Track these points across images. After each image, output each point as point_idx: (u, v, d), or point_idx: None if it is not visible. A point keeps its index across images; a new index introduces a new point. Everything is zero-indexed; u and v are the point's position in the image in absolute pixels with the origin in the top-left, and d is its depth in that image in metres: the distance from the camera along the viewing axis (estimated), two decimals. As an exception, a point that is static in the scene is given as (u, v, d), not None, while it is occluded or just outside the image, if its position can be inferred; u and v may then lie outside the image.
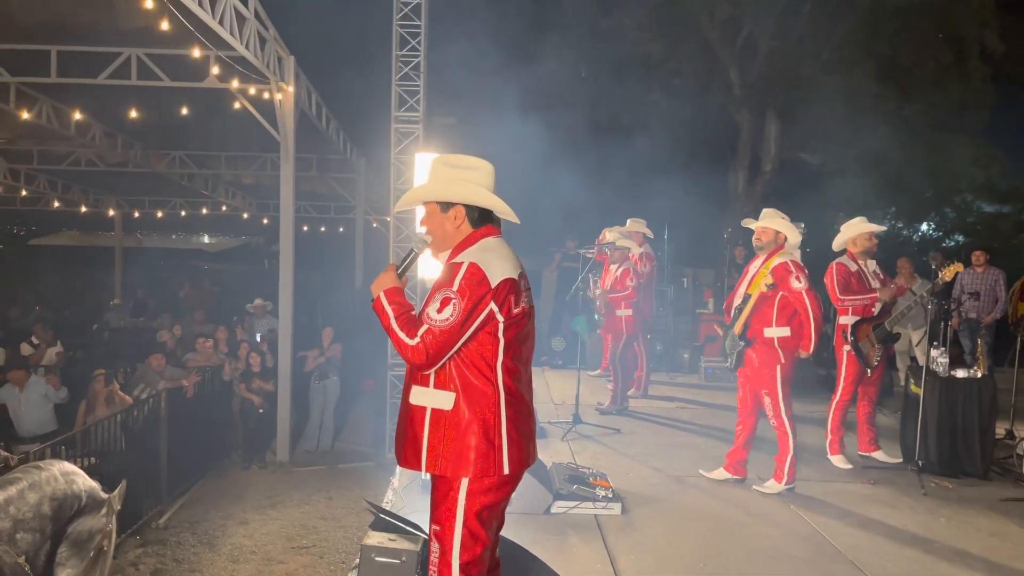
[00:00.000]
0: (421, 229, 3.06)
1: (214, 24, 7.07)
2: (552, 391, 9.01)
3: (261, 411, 9.81)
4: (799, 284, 5.42)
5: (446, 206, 2.94)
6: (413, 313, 2.83)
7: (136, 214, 22.19)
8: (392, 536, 3.80)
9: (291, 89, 9.49)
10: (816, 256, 11.43)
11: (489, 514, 2.85)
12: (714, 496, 5.63)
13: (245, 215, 22.04)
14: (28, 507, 3.48)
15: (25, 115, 10.73)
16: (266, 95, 9.47)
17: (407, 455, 2.88)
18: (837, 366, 6.42)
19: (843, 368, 6.31)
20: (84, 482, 3.77)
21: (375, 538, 3.78)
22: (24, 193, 18.64)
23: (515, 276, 2.84)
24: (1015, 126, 18.00)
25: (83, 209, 20.81)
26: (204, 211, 21.91)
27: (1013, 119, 17.55)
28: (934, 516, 5.32)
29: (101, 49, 9.07)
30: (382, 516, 4.01)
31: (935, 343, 6.28)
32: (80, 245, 26.38)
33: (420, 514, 4.37)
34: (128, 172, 16.10)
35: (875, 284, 6.22)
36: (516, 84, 14.05)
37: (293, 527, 7.72)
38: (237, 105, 9.91)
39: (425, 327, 2.73)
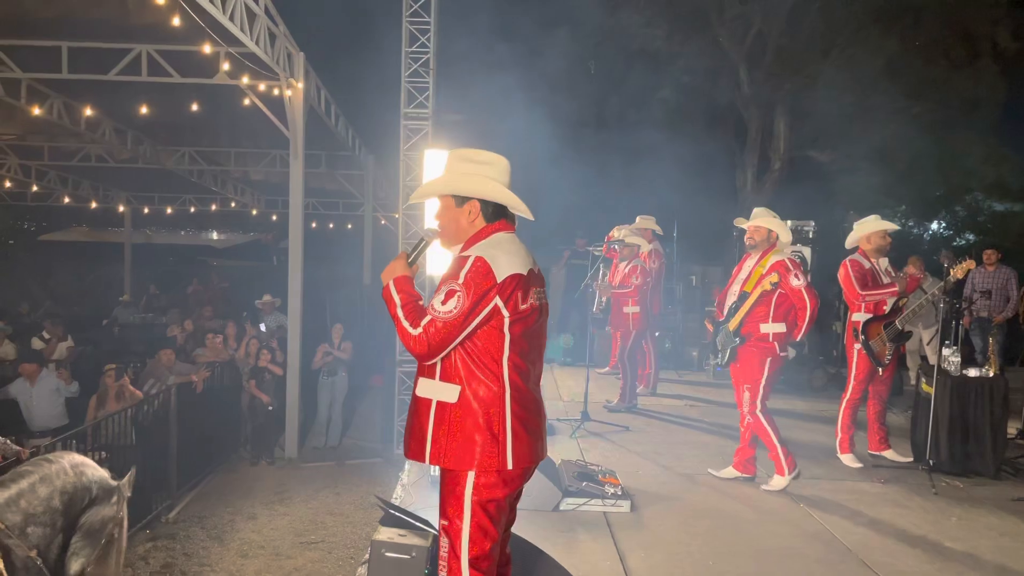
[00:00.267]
0: (434, 223, 3.06)
1: (225, 20, 7.09)
2: (561, 388, 9.01)
3: (270, 408, 9.84)
4: (798, 281, 5.46)
5: (461, 200, 2.94)
6: (420, 303, 2.84)
7: (145, 210, 22.26)
8: (402, 532, 3.80)
9: (301, 85, 9.51)
10: (825, 254, 11.39)
11: (497, 508, 2.84)
12: (723, 494, 5.61)
13: (254, 211, 22.09)
14: (39, 501, 3.50)
15: (36, 111, 10.77)
16: (276, 91, 9.49)
17: (412, 446, 2.90)
18: (848, 364, 6.39)
19: (853, 366, 6.28)
20: (94, 472, 3.78)
21: (385, 533, 3.78)
22: (35, 189, 18.72)
23: (523, 272, 2.84)
24: (1027, 124, 17.87)
25: (93, 205, 20.88)
26: (213, 207, 21.95)
27: (1025, 116, 17.43)
28: (945, 516, 5.29)
29: (112, 45, 9.11)
30: (392, 512, 4.01)
31: (947, 342, 6.25)
32: (90, 241, 26.48)
33: (429, 510, 4.38)
34: (138, 168, 16.15)
35: (886, 281, 6.19)
36: (525, 81, 14.03)
37: (301, 522, 7.75)
38: (247, 101, 9.93)
39: (428, 318, 2.74)
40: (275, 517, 7.87)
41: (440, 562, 2.89)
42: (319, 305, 14.31)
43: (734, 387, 5.80)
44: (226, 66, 8.97)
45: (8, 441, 5.56)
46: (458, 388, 2.80)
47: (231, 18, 7.25)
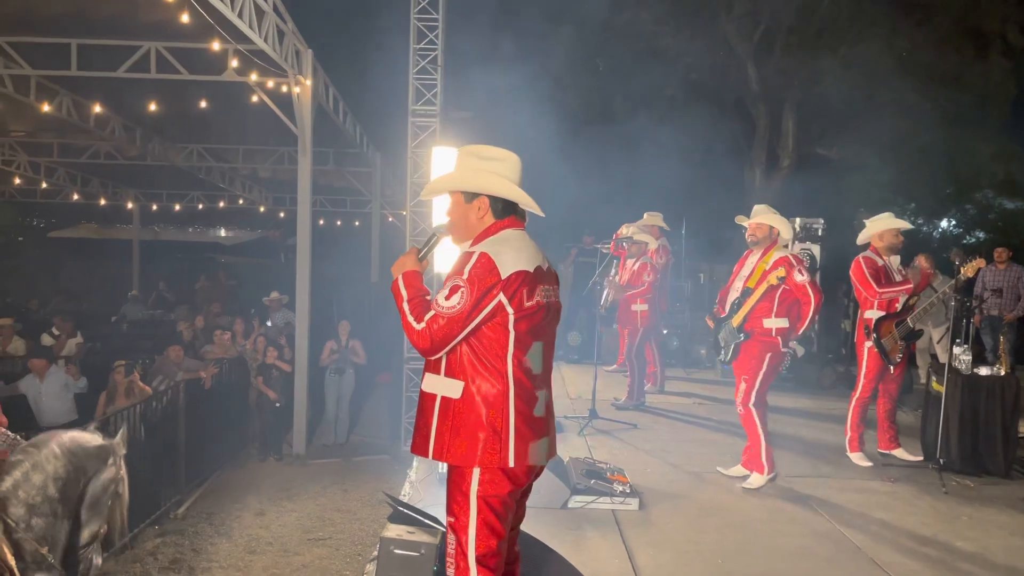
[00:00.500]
0: (444, 219, 3.05)
1: (233, 17, 7.09)
2: (568, 386, 9.00)
3: (278, 405, 9.86)
4: (802, 277, 5.47)
5: (470, 196, 2.93)
6: (427, 298, 2.84)
7: (154, 207, 22.33)
8: (411, 529, 3.80)
9: (309, 82, 9.50)
10: (834, 251, 11.34)
11: (502, 505, 2.83)
12: (732, 493, 5.59)
13: (261, 209, 22.14)
14: (36, 490, 3.52)
15: (45, 108, 10.80)
16: (284, 88, 9.49)
17: (417, 441, 2.90)
18: (858, 362, 6.36)
19: (863, 364, 6.24)
20: (85, 446, 3.77)
21: (394, 531, 3.78)
22: (44, 186, 18.81)
23: (530, 269, 2.82)
24: (1037, 121, 17.76)
25: (102, 202, 20.97)
26: (221, 204, 22.02)
27: (1035, 114, 17.32)
28: (955, 515, 5.26)
29: (121, 42, 9.13)
30: (400, 509, 4.01)
31: (957, 340, 6.21)
32: (98, 238, 26.58)
33: (438, 507, 4.37)
34: (146, 165, 16.19)
35: (898, 279, 6.15)
36: (532, 78, 14.00)
37: (309, 519, 7.76)
38: (255, 98, 9.93)
39: (432, 313, 2.75)
40: (283, 513, 7.88)
41: (448, 559, 2.89)
42: (326, 302, 14.33)
43: (736, 382, 5.78)
44: (235, 63, 8.98)
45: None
46: (462, 384, 2.80)
47: (240, 15, 7.24)
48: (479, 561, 2.80)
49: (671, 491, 5.59)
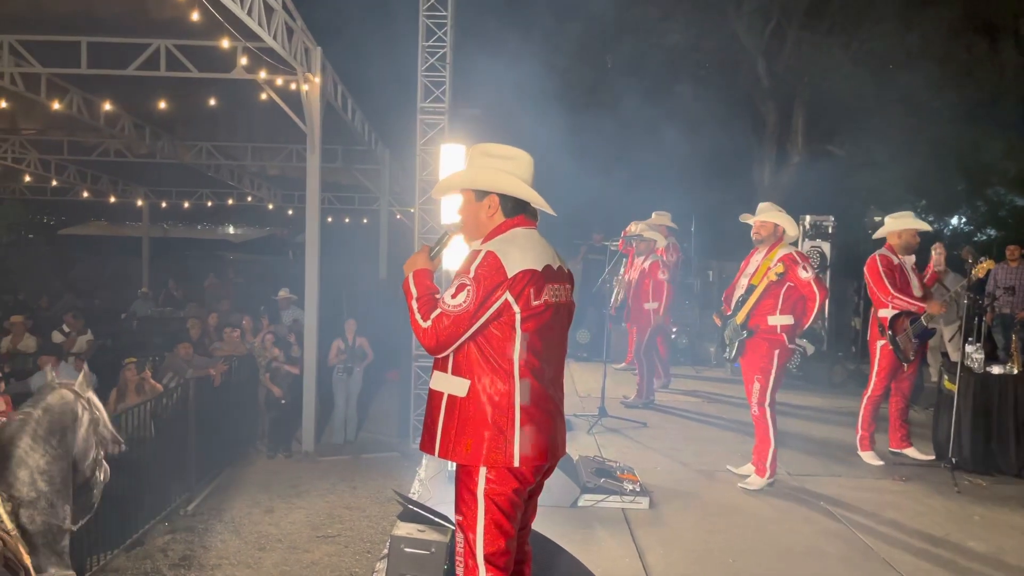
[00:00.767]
0: (455, 217, 3.04)
1: (243, 15, 7.09)
2: (577, 384, 8.98)
3: (283, 402, 9.88)
4: (807, 273, 5.44)
5: (481, 194, 2.92)
6: (436, 297, 2.83)
7: (163, 205, 22.41)
8: (421, 527, 3.80)
9: (318, 80, 9.51)
10: (845, 249, 11.30)
11: (510, 504, 2.82)
12: (742, 492, 5.56)
13: (270, 206, 22.18)
14: (27, 486, 3.53)
15: (56, 106, 10.84)
16: (293, 86, 9.50)
17: (425, 439, 2.90)
18: (870, 360, 6.32)
19: (876, 362, 6.20)
20: (55, 420, 3.72)
21: (404, 529, 3.78)
22: (54, 183, 18.90)
23: (538, 268, 2.81)
24: (1049, 118, 17.62)
25: (112, 199, 21.06)
26: (230, 202, 22.08)
27: (1047, 111, 17.17)
28: (968, 514, 5.23)
29: (131, 40, 9.15)
30: (410, 507, 4.01)
31: (969, 339, 6.16)
32: (108, 235, 26.72)
33: (447, 505, 4.37)
34: (156, 163, 16.26)
35: (914, 280, 6.11)
36: (541, 76, 13.97)
37: (318, 516, 7.77)
38: (264, 96, 9.95)
39: (438, 311, 2.74)
40: (292, 510, 7.90)
41: (457, 558, 2.88)
42: (335, 299, 14.35)
43: (744, 381, 5.75)
44: (244, 61, 8.99)
45: None
46: (468, 382, 2.79)
47: (249, 13, 7.24)
48: (488, 560, 2.79)
49: (681, 490, 5.58)
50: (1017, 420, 6.00)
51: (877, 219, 10.01)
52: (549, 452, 2.88)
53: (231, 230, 29.56)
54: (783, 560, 4.50)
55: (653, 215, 9.15)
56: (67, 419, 3.76)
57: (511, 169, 2.92)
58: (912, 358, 6.07)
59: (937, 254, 6.26)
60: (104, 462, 4.03)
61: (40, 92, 10.43)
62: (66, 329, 11.60)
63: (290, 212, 23.25)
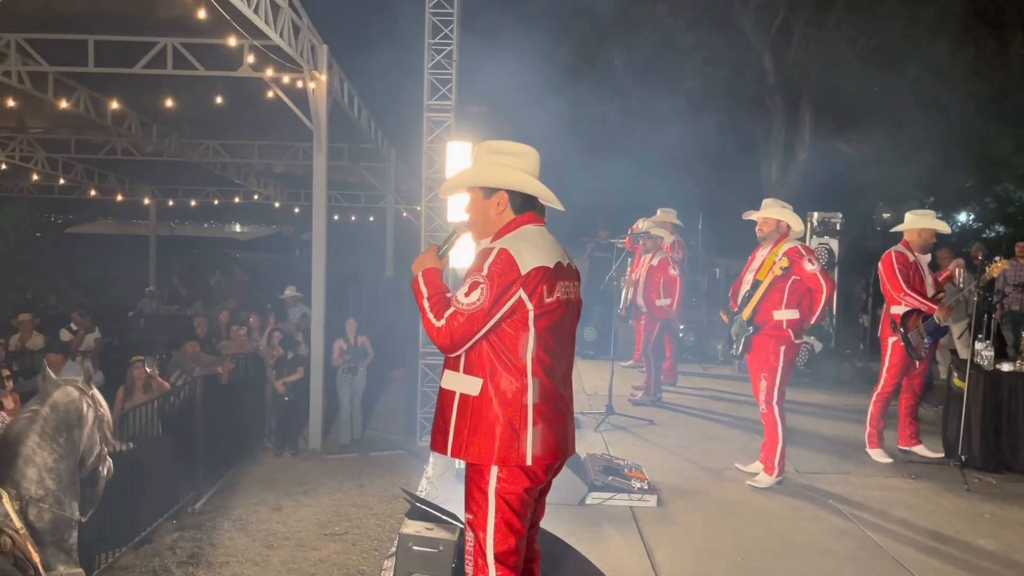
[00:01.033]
0: (462, 216, 3.03)
1: (249, 13, 7.09)
2: (584, 381, 8.96)
3: (287, 399, 9.89)
4: (812, 266, 5.41)
5: (489, 192, 2.90)
6: (447, 296, 2.81)
7: (170, 203, 22.48)
8: (429, 525, 3.78)
9: (324, 78, 9.51)
10: (853, 245, 11.26)
11: (521, 503, 2.81)
12: (751, 489, 5.54)
13: (276, 204, 22.22)
14: (35, 484, 3.55)
15: (63, 104, 10.87)
16: (299, 84, 9.50)
17: (436, 438, 2.88)
18: (881, 356, 6.28)
19: (887, 358, 6.17)
20: (61, 418, 3.74)
21: (412, 527, 3.77)
22: (62, 182, 18.97)
23: (550, 265, 2.79)
24: (1058, 114, 17.51)
25: (119, 198, 21.12)
26: (236, 200, 22.12)
27: (1056, 107, 17.06)
28: (977, 512, 5.20)
29: (138, 39, 9.16)
30: (418, 505, 4.00)
31: (979, 336, 6.13)
32: (116, 233, 26.81)
33: (455, 503, 4.36)
34: (163, 161, 16.30)
35: (928, 279, 6.07)
36: (547, 73, 13.94)
37: (325, 514, 7.78)
38: (270, 94, 9.95)
39: (452, 310, 2.71)
40: (299, 508, 7.91)
41: (467, 556, 2.87)
42: (341, 297, 14.37)
43: (751, 379, 5.73)
44: (250, 59, 9.00)
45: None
46: (480, 381, 2.77)
47: (255, 11, 7.24)
48: (498, 559, 2.78)
49: (689, 487, 5.56)
50: (1027, 418, 5.96)
51: (886, 215, 9.97)
52: (560, 450, 2.87)
53: (238, 228, 29.63)
54: (792, 558, 4.48)
55: (658, 212, 9.13)
56: (73, 416, 3.77)
57: (519, 165, 2.90)
58: (924, 355, 6.03)
59: (956, 267, 6.20)
60: (108, 457, 4.04)
61: (47, 91, 10.46)
62: (73, 327, 11.62)
63: (296, 210, 23.28)
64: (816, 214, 10.35)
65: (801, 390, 8.47)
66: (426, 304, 2.79)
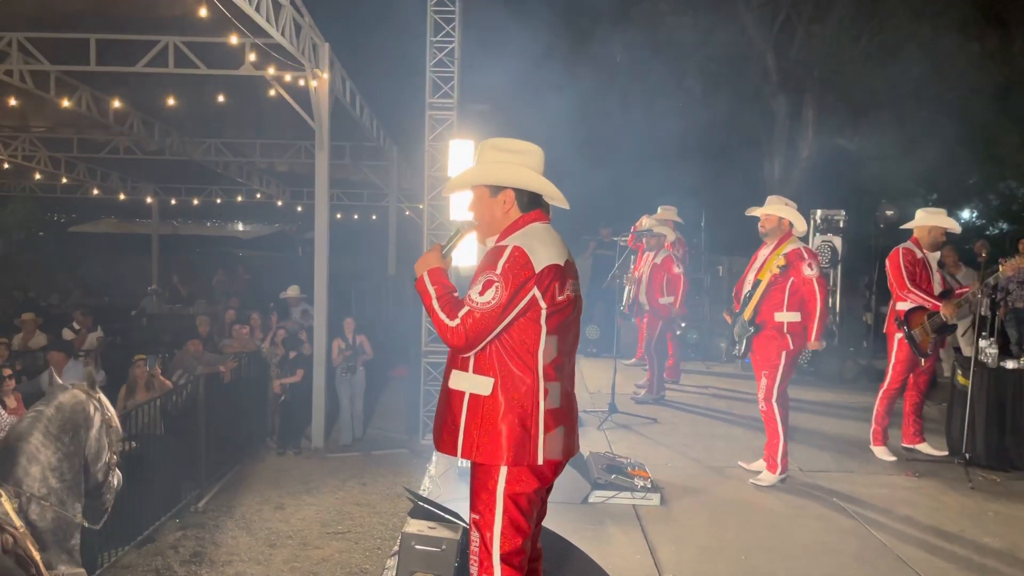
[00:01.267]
0: (466, 214, 3.01)
1: (251, 11, 7.08)
2: (587, 380, 8.95)
3: (283, 399, 9.89)
4: (810, 271, 5.38)
5: (495, 190, 2.87)
6: (456, 295, 2.78)
7: (172, 201, 22.48)
8: (432, 524, 3.78)
9: (326, 76, 9.49)
10: (856, 243, 11.22)
11: (528, 503, 2.80)
12: (754, 488, 5.53)
13: (279, 203, 22.22)
14: (38, 482, 3.54)
15: (65, 103, 10.87)
16: (301, 82, 9.49)
17: (444, 439, 2.85)
18: (888, 354, 6.26)
19: (893, 354, 6.15)
20: (67, 417, 3.72)
21: (415, 526, 3.76)
22: (64, 181, 18.98)
23: (560, 262, 2.78)
24: (1062, 111, 17.44)
25: (121, 197, 21.13)
26: (239, 199, 22.13)
27: (1060, 103, 17.00)
28: (982, 511, 5.18)
29: (139, 37, 9.14)
30: (421, 504, 3.99)
31: (983, 333, 6.10)
32: (118, 232, 26.84)
33: (457, 502, 4.36)
34: (165, 160, 16.29)
35: (936, 277, 6.05)
36: (550, 71, 13.93)
37: (328, 513, 7.78)
38: (272, 92, 9.94)
39: (466, 309, 2.68)
40: (302, 507, 7.91)
41: (472, 556, 2.85)
42: (344, 296, 14.37)
43: (755, 377, 5.72)
44: (252, 57, 8.98)
45: None
46: (492, 381, 2.74)
47: (257, 9, 7.23)
48: (504, 559, 2.76)
49: (692, 486, 5.55)
50: (1032, 415, 5.94)
51: (889, 213, 9.94)
52: (569, 448, 2.87)
53: (240, 227, 29.65)
54: (795, 557, 4.46)
55: (659, 210, 9.11)
56: (79, 418, 3.76)
57: (525, 163, 2.88)
58: (929, 353, 6.01)
59: (972, 286, 6.13)
60: (116, 469, 4.02)
61: (49, 89, 10.45)
62: (76, 326, 11.63)
63: (299, 208, 23.28)
64: (819, 211, 10.33)
65: (804, 388, 8.46)
66: (436, 304, 2.75)
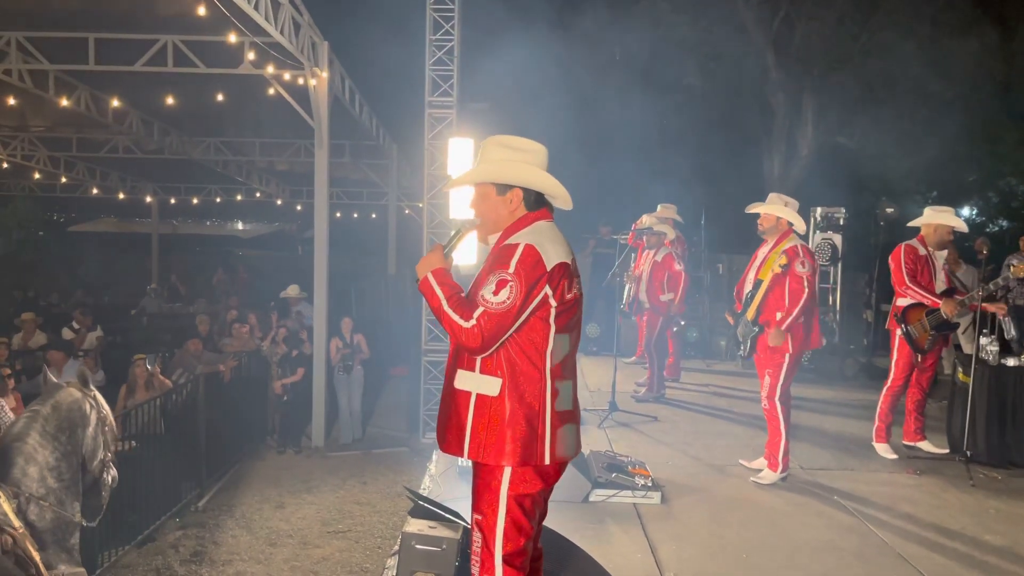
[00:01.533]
0: (466, 212, 2.99)
1: (250, 9, 7.06)
2: (587, 378, 8.94)
3: (285, 399, 9.88)
4: (803, 269, 5.38)
5: (503, 188, 2.84)
6: (463, 295, 2.75)
7: (172, 201, 22.47)
8: (432, 524, 3.77)
9: (325, 75, 9.48)
10: (856, 241, 11.21)
11: (532, 503, 2.78)
12: (755, 486, 5.53)
13: (279, 201, 22.20)
14: (36, 483, 3.54)
15: (64, 103, 10.85)
16: (300, 81, 9.48)
17: (449, 440, 2.81)
18: (890, 350, 6.25)
19: (895, 352, 6.15)
20: (63, 416, 3.72)
21: (415, 525, 3.75)
22: (64, 180, 18.96)
23: (568, 261, 2.77)
24: (1062, 108, 17.43)
25: (121, 196, 21.11)
26: (238, 198, 22.12)
27: (1060, 101, 16.99)
28: (983, 508, 5.18)
29: (138, 36, 9.13)
30: (421, 503, 3.98)
31: (984, 331, 6.10)
32: (118, 232, 26.82)
33: (458, 501, 4.35)
34: (164, 159, 16.28)
35: (940, 275, 6.03)
36: (549, 69, 13.92)
37: (329, 511, 7.77)
38: (271, 91, 9.93)
39: (481, 309, 2.64)
40: (303, 506, 7.90)
41: (473, 557, 2.83)
42: (343, 295, 14.36)
43: (759, 376, 5.71)
44: (251, 56, 8.97)
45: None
46: (500, 381, 2.71)
47: (256, 7, 7.21)
48: (506, 560, 2.75)
49: (693, 484, 5.54)
50: (1032, 413, 5.94)
51: (889, 210, 9.92)
52: (573, 446, 2.86)
53: (240, 226, 29.61)
54: (797, 555, 4.46)
55: (659, 208, 9.10)
56: (75, 416, 3.76)
57: (532, 162, 2.86)
58: (925, 349, 6.00)
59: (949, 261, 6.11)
60: (112, 465, 4.02)
61: (48, 89, 10.44)
62: (75, 326, 11.62)
63: (299, 207, 23.24)
64: (819, 209, 10.32)
65: (805, 386, 8.45)
66: (446, 306, 2.70)
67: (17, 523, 3.28)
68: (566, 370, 2.82)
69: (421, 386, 8.93)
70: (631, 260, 8.78)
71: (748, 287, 5.68)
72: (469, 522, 2.92)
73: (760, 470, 5.66)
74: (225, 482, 8.58)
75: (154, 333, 13.35)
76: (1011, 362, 6.07)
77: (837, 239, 10.17)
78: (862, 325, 10.73)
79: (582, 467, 5.28)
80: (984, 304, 5.84)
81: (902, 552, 4.46)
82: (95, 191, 20.17)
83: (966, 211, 20.08)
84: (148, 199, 21.83)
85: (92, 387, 3.99)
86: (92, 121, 12.46)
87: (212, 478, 8.41)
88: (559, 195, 2.89)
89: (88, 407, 3.84)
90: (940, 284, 6.02)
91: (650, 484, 5.21)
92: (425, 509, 3.91)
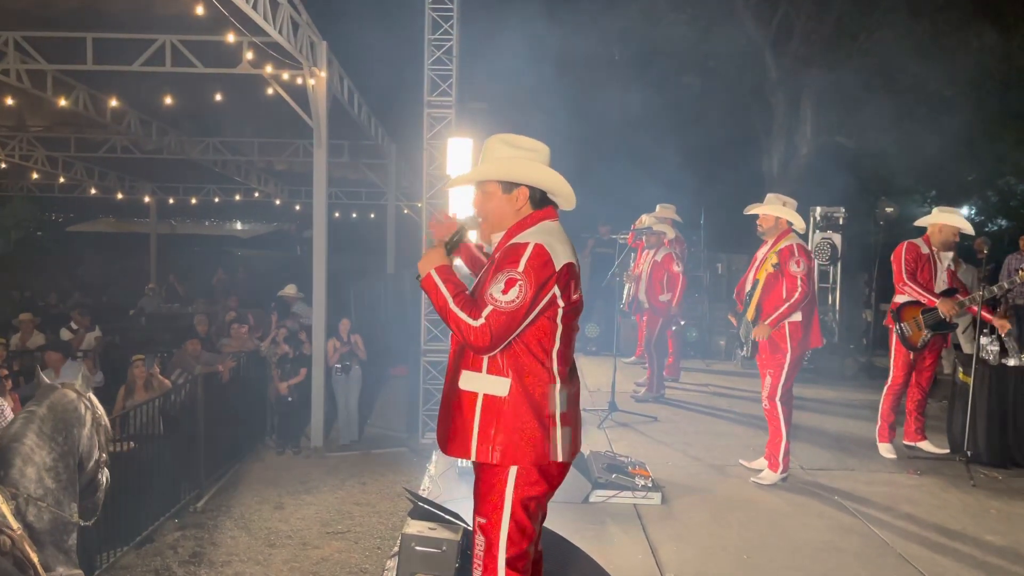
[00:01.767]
0: (468, 211, 2.98)
1: (248, 9, 7.04)
2: (587, 378, 8.93)
3: (289, 399, 9.86)
4: (796, 268, 5.37)
5: (509, 186, 2.81)
6: (467, 292, 2.72)
7: (171, 201, 22.44)
8: (432, 525, 3.76)
9: (324, 74, 9.46)
10: (855, 240, 11.21)
11: (536, 507, 2.77)
12: (755, 486, 5.51)
13: (277, 201, 22.19)
14: (34, 483, 3.53)
15: (62, 102, 10.83)
16: (299, 81, 9.45)
17: (454, 442, 2.78)
18: (889, 350, 6.25)
19: (893, 351, 6.15)
20: (60, 417, 3.71)
21: (415, 527, 3.74)
22: (62, 180, 18.93)
23: (574, 261, 2.76)
24: (1061, 107, 17.43)
25: (119, 196, 21.09)
26: (237, 198, 22.11)
27: (1059, 100, 16.98)
28: (983, 508, 5.18)
29: (136, 36, 9.11)
30: (421, 504, 3.97)
31: (984, 330, 6.09)
32: (116, 232, 26.79)
33: (457, 502, 4.34)
34: (163, 159, 16.25)
35: (941, 275, 6.01)
36: (548, 69, 13.90)
37: (328, 512, 7.75)
38: (270, 91, 9.91)
39: (490, 308, 2.60)
40: (302, 507, 7.88)
41: (475, 560, 2.80)
42: (342, 295, 14.33)
43: (760, 376, 5.70)
44: (249, 56, 8.95)
45: None
46: (508, 381, 2.69)
47: (254, 7, 7.19)
48: (509, 563, 2.72)
49: (693, 484, 5.53)
50: (1033, 413, 5.93)
51: (888, 210, 9.91)
52: (578, 446, 2.85)
53: (239, 226, 29.60)
54: (798, 555, 4.45)
55: (658, 207, 9.10)
56: (71, 417, 3.74)
57: (538, 160, 2.84)
58: (918, 347, 5.98)
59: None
60: (106, 467, 4.01)
61: (46, 89, 10.41)
62: (74, 326, 11.59)
63: (297, 207, 23.24)
64: (819, 208, 10.32)
65: (804, 386, 8.43)
66: (453, 304, 2.65)
67: (15, 524, 3.27)
68: (571, 370, 2.81)
69: (420, 386, 8.91)
70: (631, 260, 8.77)
71: (748, 287, 5.68)
72: (469, 523, 2.90)
73: (760, 470, 5.65)
74: (224, 483, 8.56)
75: (152, 333, 13.33)
76: (1012, 362, 6.06)
77: (837, 239, 10.17)
78: (862, 325, 10.73)
79: (582, 468, 5.26)
80: (986, 315, 5.83)
81: (903, 552, 4.45)
82: (93, 191, 20.15)
83: (965, 210, 20.08)
84: (146, 199, 21.81)
85: (87, 388, 3.98)
86: (90, 121, 12.44)
87: (211, 479, 8.39)
88: (564, 193, 2.87)
89: (83, 408, 3.83)
90: (941, 284, 6.01)
91: (650, 485, 5.20)
92: (425, 510, 3.89)
